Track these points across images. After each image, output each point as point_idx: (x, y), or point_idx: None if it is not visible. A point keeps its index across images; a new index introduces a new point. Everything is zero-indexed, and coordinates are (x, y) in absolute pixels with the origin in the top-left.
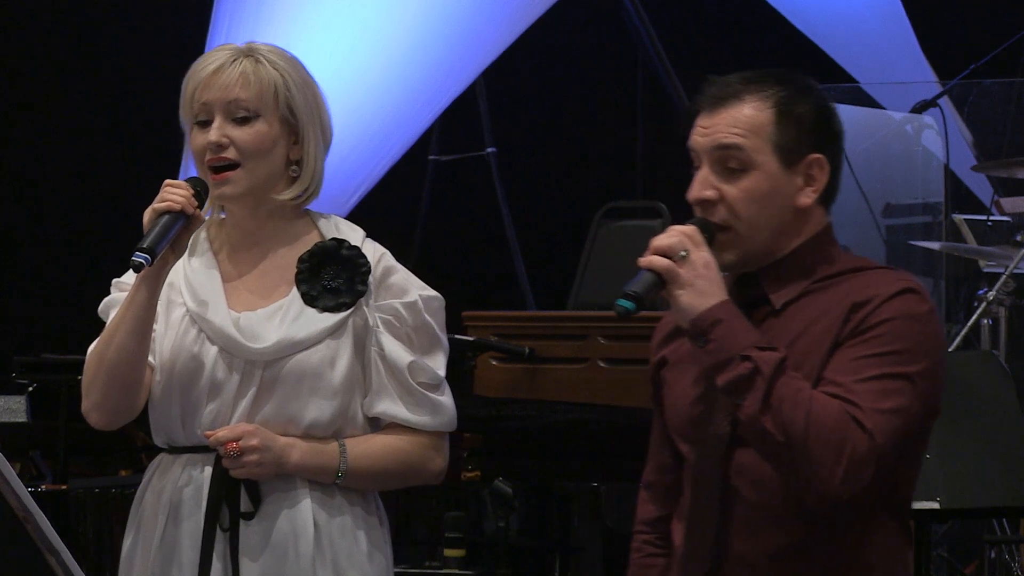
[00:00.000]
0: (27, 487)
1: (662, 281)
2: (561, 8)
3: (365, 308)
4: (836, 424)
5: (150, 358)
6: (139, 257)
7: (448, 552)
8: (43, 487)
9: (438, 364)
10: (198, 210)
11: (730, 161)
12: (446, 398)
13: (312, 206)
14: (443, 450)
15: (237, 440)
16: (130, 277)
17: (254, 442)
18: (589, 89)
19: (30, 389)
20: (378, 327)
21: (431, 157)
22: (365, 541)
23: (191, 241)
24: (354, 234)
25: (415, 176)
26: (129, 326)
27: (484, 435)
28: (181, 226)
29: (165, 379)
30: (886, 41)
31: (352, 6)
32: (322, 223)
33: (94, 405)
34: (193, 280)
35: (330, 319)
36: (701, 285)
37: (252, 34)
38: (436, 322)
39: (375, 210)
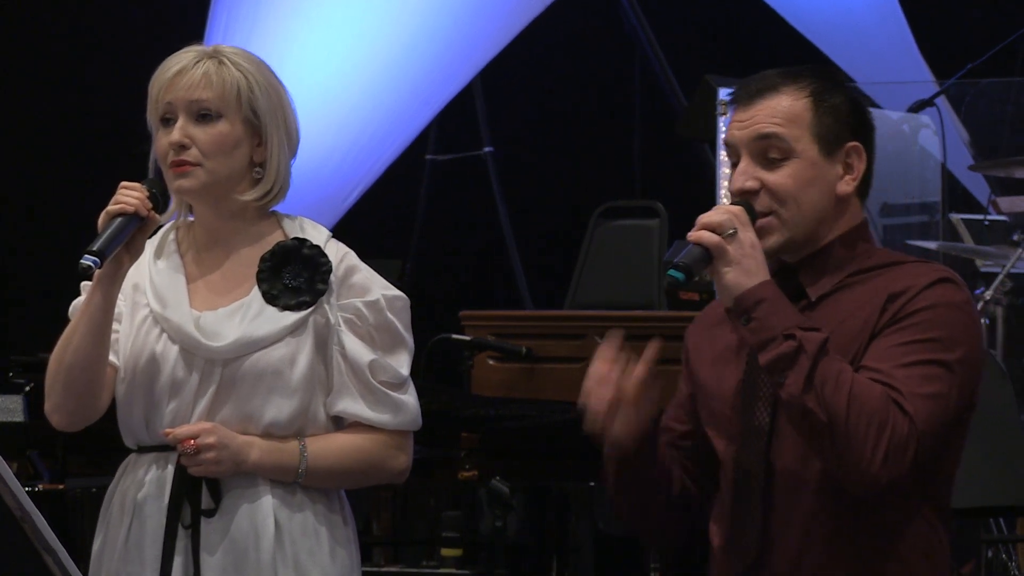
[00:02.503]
0: (24, 487)
1: (710, 256)
2: (558, 7)
3: (327, 307)
4: (878, 406)
5: (113, 359)
6: (87, 260)
7: (445, 552)
8: (40, 487)
9: (401, 363)
10: (153, 212)
11: (771, 151)
12: (409, 397)
13: (309, 205)
14: (406, 448)
15: (194, 438)
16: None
17: (211, 440)
18: (586, 88)
19: (27, 388)
20: (340, 326)
21: (428, 157)
22: (327, 539)
23: (159, 243)
24: (318, 234)
25: (412, 175)
26: (85, 328)
27: (481, 435)
28: (135, 228)
29: (128, 379)
30: (883, 40)
31: (349, 6)
32: (287, 223)
33: (55, 407)
34: (157, 281)
35: (290, 317)
36: (747, 264)
37: (248, 36)
38: (400, 321)
39: (373, 209)
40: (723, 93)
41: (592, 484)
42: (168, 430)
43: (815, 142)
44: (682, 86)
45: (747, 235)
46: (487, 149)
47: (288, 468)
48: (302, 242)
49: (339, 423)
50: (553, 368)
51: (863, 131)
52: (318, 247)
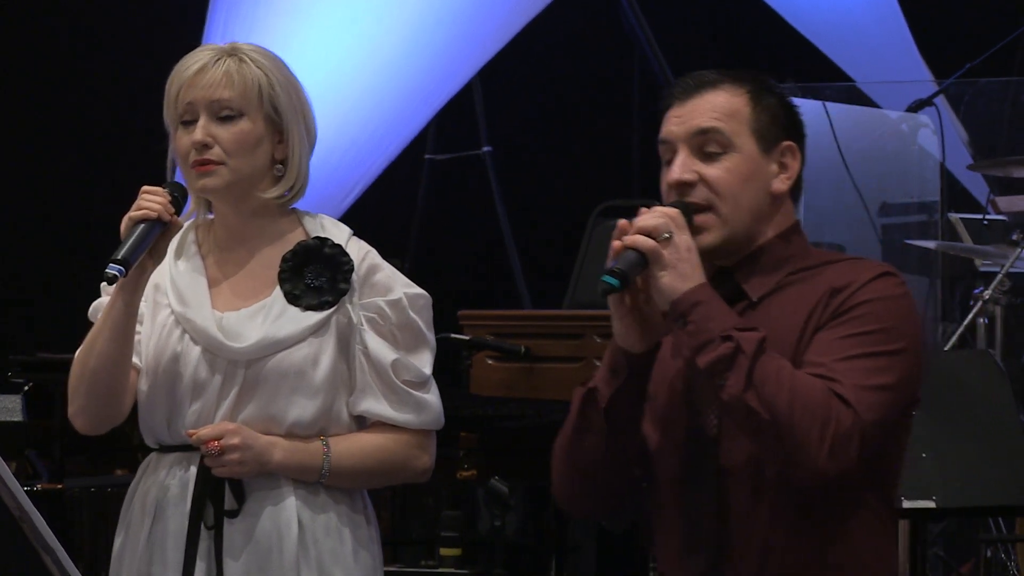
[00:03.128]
0: (23, 486)
1: (645, 261)
2: (557, 7)
3: (349, 306)
4: (820, 400)
5: (136, 360)
6: (112, 269)
7: (444, 551)
8: (39, 486)
9: (423, 362)
10: (175, 216)
11: (709, 145)
12: (431, 396)
13: (308, 205)
14: (429, 448)
15: (218, 439)
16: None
17: (235, 440)
18: (585, 88)
19: (26, 388)
20: (362, 325)
21: (427, 156)
22: (351, 540)
23: (179, 243)
24: (339, 233)
25: (411, 175)
26: (109, 333)
27: (480, 434)
28: (158, 233)
29: (150, 380)
30: (882, 40)
31: (348, 6)
32: (307, 222)
33: (79, 410)
34: (179, 281)
35: (312, 317)
36: (683, 268)
37: (248, 35)
38: (422, 320)
39: (371, 209)
40: None
41: None
42: (191, 431)
43: (753, 138)
44: None
45: (682, 238)
46: (486, 149)
47: (311, 468)
48: (323, 241)
49: (362, 422)
50: (552, 367)
51: (797, 132)
52: (340, 246)
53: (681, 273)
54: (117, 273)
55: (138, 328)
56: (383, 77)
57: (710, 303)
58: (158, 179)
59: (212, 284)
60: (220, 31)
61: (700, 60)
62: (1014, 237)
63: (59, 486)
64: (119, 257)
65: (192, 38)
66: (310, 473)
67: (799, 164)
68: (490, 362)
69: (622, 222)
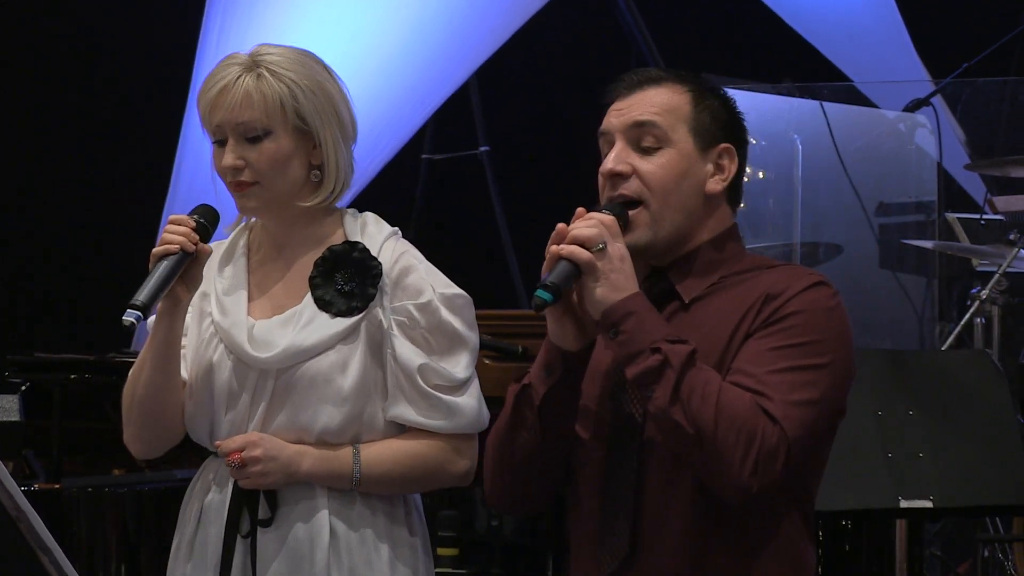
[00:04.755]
0: (20, 486)
1: (579, 271)
2: (554, 7)
3: (379, 310)
4: (746, 416)
5: (184, 373)
6: (130, 316)
7: (442, 551)
8: (36, 486)
9: (457, 365)
10: (201, 244)
11: (645, 139)
12: (466, 399)
13: None
14: (466, 452)
15: (241, 450)
16: None
17: (256, 452)
18: (582, 88)
19: (23, 388)
20: (392, 329)
21: (424, 156)
22: (388, 550)
23: (228, 247)
24: (379, 233)
25: (408, 175)
26: (153, 363)
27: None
28: (186, 264)
29: (193, 391)
30: (880, 40)
31: (345, 6)
32: (348, 223)
33: (133, 437)
34: (221, 290)
35: (341, 324)
36: (615, 278)
37: (243, 35)
38: (460, 319)
39: (369, 209)
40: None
41: None
42: (218, 442)
43: (690, 135)
44: None
45: (616, 248)
46: (483, 148)
47: (342, 475)
48: (353, 245)
49: (401, 428)
50: None
51: (737, 136)
52: (367, 250)
53: (613, 284)
54: (134, 320)
55: (184, 340)
56: (380, 77)
57: (641, 314)
58: (157, 178)
59: (254, 291)
60: (216, 31)
61: (698, 60)
62: (1011, 237)
63: (56, 486)
64: (137, 303)
65: (189, 38)
66: (341, 480)
67: (736, 167)
68: (487, 362)
69: (560, 226)
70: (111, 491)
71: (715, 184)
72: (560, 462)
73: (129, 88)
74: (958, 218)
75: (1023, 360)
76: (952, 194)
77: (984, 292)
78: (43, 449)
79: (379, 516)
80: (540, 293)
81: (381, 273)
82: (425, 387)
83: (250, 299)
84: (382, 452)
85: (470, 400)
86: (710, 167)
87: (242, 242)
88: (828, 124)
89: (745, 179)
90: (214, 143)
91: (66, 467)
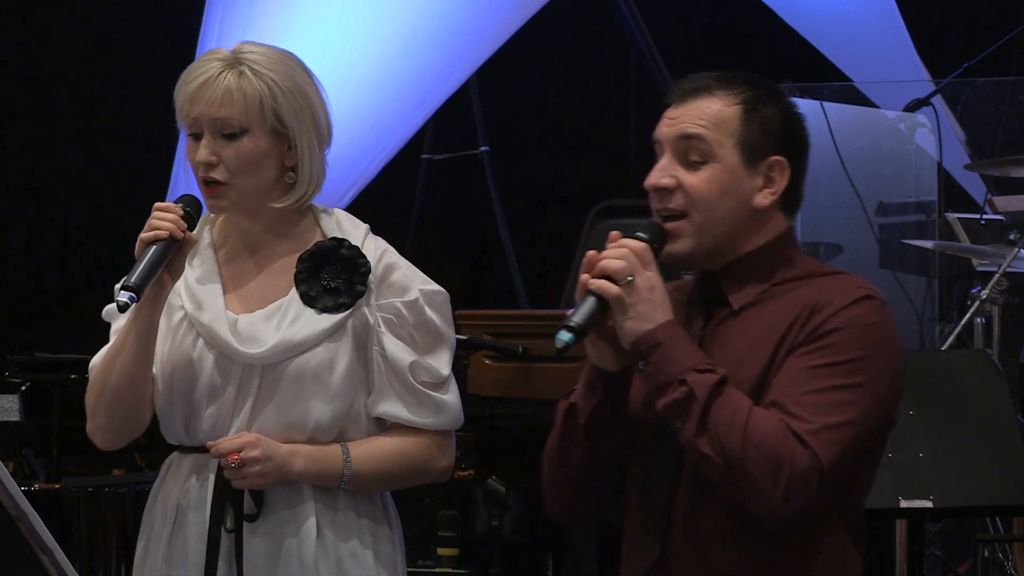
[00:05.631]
0: (20, 486)
1: (606, 307)
2: (555, 7)
3: (365, 308)
4: (774, 442)
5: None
6: (124, 296)
7: (442, 551)
8: (36, 486)
9: (441, 362)
10: (188, 232)
11: (692, 153)
12: (450, 396)
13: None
14: (448, 449)
15: (238, 451)
16: None
17: (255, 453)
18: (583, 88)
19: (23, 388)
20: (379, 327)
21: (424, 156)
22: (371, 543)
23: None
24: (356, 231)
25: (408, 175)
26: (131, 351)
27: (477, 434)
28: (173, 251)
29: (166, 384)
30: (880, 40)
31: (345, 5)
32: (324, 220)
33: (99, 427)
34: (192, 283)
35: (328, 320)
36: (643, 309)
37: (243, 34)
38: (440, 317)
39: (369, 209)
40: None
41: None
42: (211, 443)
43: (737, 150)
44: None
45: (645, 279)
46: (483, 148)
47: (332, 475)
48: (340, 242)
49: (381, 423)
50: (549, 367)
51: (792, 146)
52: (356, 248)
53: (641, 315)
54: (128, 300)
55: None
56: (380, 76)
57: (669, 344)
58: (156, 178)
59: (227, 285)
60: (216, 31)
61: (697, 60)
62: (1011, 236)
63: (57, 486)
64: (131, 284)
65: (188, 38)
66: (331, 480)
67: (787, 179)
68: (487, 362)
69: (590, 254)
70: (111, 491)
71: (763, 198)
72: (612, 475)
73: (129, 88)
74: (958, 218)
75: (1023, 360)
76: (952, 194)
77: (984, 292)
78: (43, 449)
79: (362, 510)
80: (562, 335)
81: (370, 270)
82: (414, 384)
83: (224, 293)
84: (371, 451)
85: (453, 397)
86: (759, 181)
87: (207, 236)
88: (828, 124)
89: None
90: (188, 135)
91: (66, 467)
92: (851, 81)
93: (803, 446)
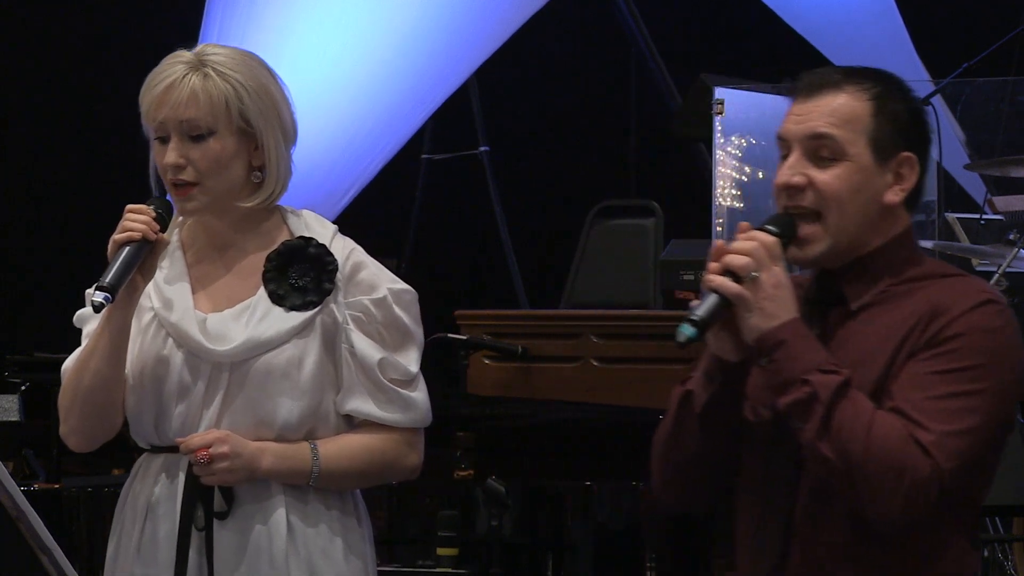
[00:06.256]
0: (20, 486)
1: (730, 302)
2: (554, 7)
3: (334, 306)
4: (896, 449)
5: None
6: (99, 297)
7: (441, 551)
8: (36, 486)
9: (410, 360)
10: (161, 234)
11: (822, 150)
12: (419, 394)
13: (305, 204)
14: (417, 446)
15: (207, 447)
16: None
17: (224, 449)
18: (582, 88)
19: (23, 388)
20: (348, 324)
21: (424, 156)
22: (341, 540)
23: None
24: (324, 230)
25: (408, 175)
26: (104, 352)
27: (477, 434)
28: (146, 252)
29: (136, 384)
30: (879, 39)
31: (345, 5)
32: (291, 220)
33: (72, 430)
34: (161, 283)
35: (297, 318)
36: (768, 307)
37: (243, 35)
38: (408, 315)
39: (368, 209)
40: (719, 92)
41: (589, 483)
42: (180, 440)
43: (869, 147)
44: (678, 85)
45: (770, 275)
46: (483, 148)
47: (301, 473)
48: (308, 241)
49: (350, 421)
50: (549, 367)
51: (920, 143)
52: (324, 246)
53: (765, 312)
54: (103, 301)
55: None
56: (380, 77)
57: (793, 342)
58: (157, 179)
59: (195, 285)
60: (216, 32)
61: (697, 60)
62: (1011, 236)
63: (56, 486)
64: (105, 284)
65: (189, 38)
66: (299, 477)
67: (917, 175)
68: (487, 362)
69: (718, 243)
70: (111, 491)
71: (894, 195)
72: (724, 465)
73: (130, 88)
74: (958, 218)
75: None
76: (952, 194)
77: None
78: (43, 449)
79: (332, 507)
80: (684, 328)
81: (337, 268)
82: (384, 381)
83: (193, 293)
84: (340, 449)
85: (422, 395)
86: (889, 177)
87: (175, 238)
88: None
89: (744, 179)
90: (155, 139)
91: (66, 467)
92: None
93: (925, 454)
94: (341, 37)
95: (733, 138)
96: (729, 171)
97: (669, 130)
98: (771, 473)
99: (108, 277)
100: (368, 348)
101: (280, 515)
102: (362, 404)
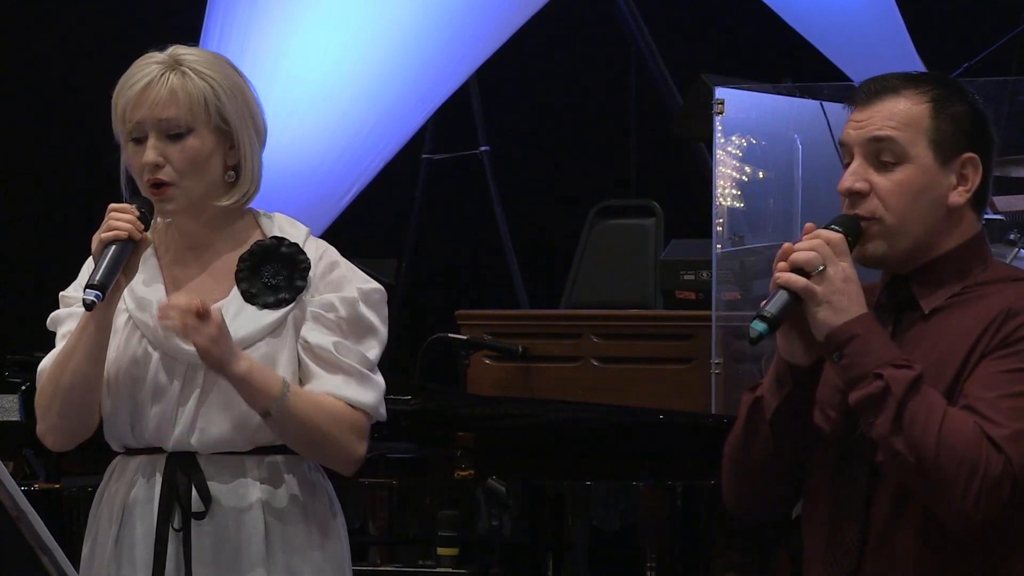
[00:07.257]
0: (20, 486)
1: (799, 298)
2: (554, 7)
3: (306, 303)
4: (969, 445)
5: None
6: (90, 295)
7: (442, 551)
8: (36, 486)
9: (369, 349)
10: (144, 232)
11: (883, 154)
12: (376, 378)
13: (304, 203)
14: (364, 437)
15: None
16: (76, 290)
17: (217, 320)
18: (583, 87)
19: (23, 388)
20: (307, 320)
21: (425, 156)
22: (318, 535)
23: None
24: (297, 232)
25: (409, 175)
26: (84, 351)
27: (477, 434)
28: (130, 251)
29: (112, 386)
30: (880, 39)
31: (345, 6)
32: (264, 222)
33: (50, 428)
34: (136, 285)
35: (269, 316)
36: (838, 301)
37: (244, 35)
38: (374, 313)
39: (369, 208)
40: (719, 92)
41: (589, 483)
42: (163, 303)
43: (930, 149)
44: (678, 85)
45: (838, 269)
46: (483, 148)
47: (268, 393)
48: (280, 240)
49: None
50: (549, 367)
51: (982, 143)
52: (296, 245)
53: (835, 307)
54: (95, 299)
55: None
56: (380, 76)
57: (866, 337)
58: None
59: (170, 286)
60: (217, 34)
61: (697, 60)
62: (1011, 236)
63: (56, 486)
64: (96, 282)
65: (189, 38)
66: (266, 398)
67: (981, 176)
68: (487, 362)
69: (785, 246)
70: None
71: (958, 196)
72: (795, 472)
73: None
74: None
75: None
76: None
77: None
78: (43, 449)
79: (308, 504)
80: (756, 325)
81: (310, 266)
82: (340, 359)
83: (167, 294)
84: (308, 394)
85: (379, 380)
86: (952, 179)
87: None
88: (828, 124)
89: (745, 179)
90: (130, 141)
91: (66, 467)
92: (851, 81)
93: (997, 451)
94: (341, 37)
95: (733, 138)
96: (729, 171)
97: (669, 130)
98: (844, 481)
99: (98, 275)
100: (322, 336)
101: (257, 515)
102: (319, 383)
